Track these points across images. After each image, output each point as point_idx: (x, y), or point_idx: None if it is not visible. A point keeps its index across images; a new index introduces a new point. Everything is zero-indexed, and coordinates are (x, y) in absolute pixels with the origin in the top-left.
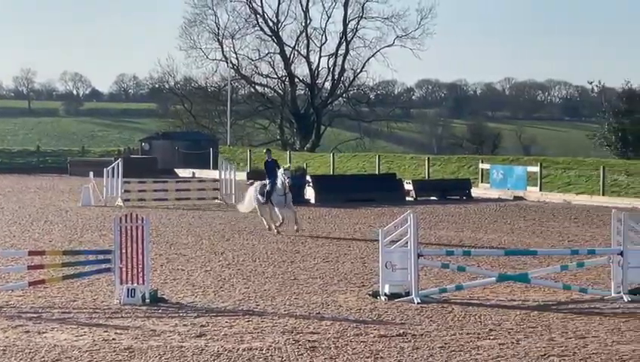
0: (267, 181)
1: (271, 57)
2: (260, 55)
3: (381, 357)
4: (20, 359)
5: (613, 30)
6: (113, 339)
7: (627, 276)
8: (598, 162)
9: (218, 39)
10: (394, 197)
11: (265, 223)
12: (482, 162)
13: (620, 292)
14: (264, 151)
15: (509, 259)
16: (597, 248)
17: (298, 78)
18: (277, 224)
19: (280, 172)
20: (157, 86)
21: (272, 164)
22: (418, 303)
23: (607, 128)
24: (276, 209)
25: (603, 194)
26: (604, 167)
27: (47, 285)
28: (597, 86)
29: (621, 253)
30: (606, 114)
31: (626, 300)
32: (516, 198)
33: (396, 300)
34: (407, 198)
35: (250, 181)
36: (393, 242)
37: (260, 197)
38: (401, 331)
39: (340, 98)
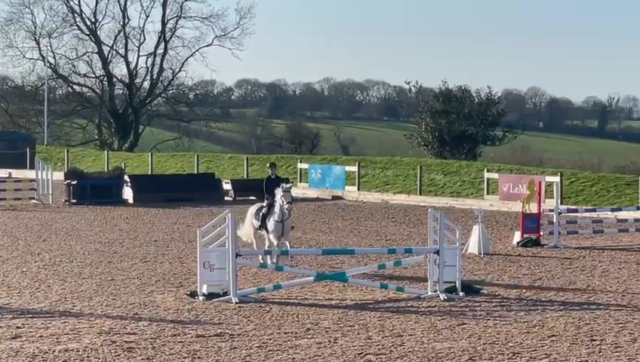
0: (265, 202)
1: (89, 57)
2: (77, 54)
3: (199, 358)
4: None
5: (431, 31)
6: None
7: (443, 274)
8: (415, 162)
9: (35, 38)
10: (213, 196)
11: (274, 243)
12: (301, 162)
13: (436, 291)
14: (267, 165)
15: (327, 259)
16: (414, 247)
17: (116, 78)
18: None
19: (279, 192)
20: None
21: (275, 181)
22: (236, 303)
23: (425, 128)
24: (271, 236)
25: (420, 194)
26: (421, 167)
27: None
28: (414, 86)
29: (437, 252)
30: (423, 114)
31: (442, 298)
32: (335, 198)
33: (214, 300)
34: (226, 198)
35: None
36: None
37: (254, 221)
38: (219, 331)
39: (159, 98)
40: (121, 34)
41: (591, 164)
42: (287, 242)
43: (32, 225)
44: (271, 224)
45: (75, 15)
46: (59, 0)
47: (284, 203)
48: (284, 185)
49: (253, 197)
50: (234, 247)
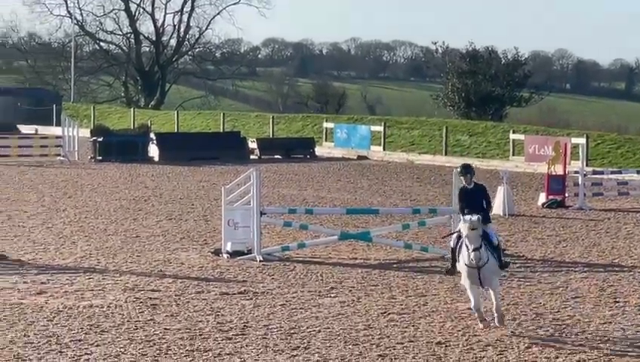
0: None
1: (116, 14)
2: (104, 11)
3: (222, 315)
4: None
5: None
6: None
7: None
8: (441, 122)
9: None
10: (238, 155)
11: (471, 299)
12: (327, 121)
13: None
14: (457, 170)
15: (351, 218)
16: (438, 207)
17: (143, 35)
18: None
19: (464, 229)
20: (0, 42)
21: (471, 193)
22: (260, 261)
23: (451, 89)
24: (466, 283)
25: (445, 154)
26: (447, 127)
27: None
28: (441, 47)
29: None
30: (449, 74)
31: None
32: (360, 157)
33: (238, 258)
34: (252, 157)
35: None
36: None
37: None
38: (243, 289)
39: (186, 56)
40: None
41: (617, 126)
42: (491, 291)
43: (58, 182)
44: (462, 265)
45: None
46: None
47: (470, 248)
48: (471, 218)
49: (278, 156)
50: (258, 205)
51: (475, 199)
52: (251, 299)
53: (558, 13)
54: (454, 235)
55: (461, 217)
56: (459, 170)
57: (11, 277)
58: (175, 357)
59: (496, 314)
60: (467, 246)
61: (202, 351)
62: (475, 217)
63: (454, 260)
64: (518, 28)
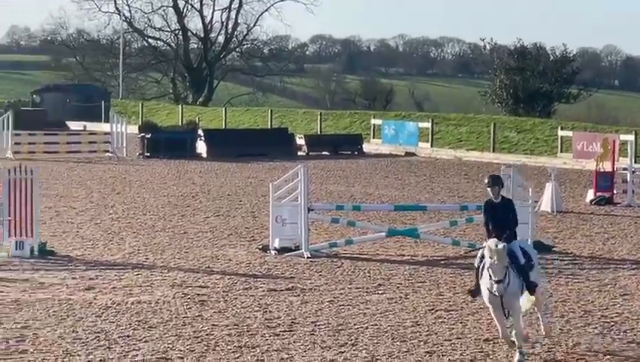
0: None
1: (164, 10)
2: (152, 8)
3: (270, 311)
4: None
5: None
6: (0, 292)
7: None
8: (489, 119)
9: None
10: (285, 151)
11: (499, 329)
12: (374, 118)
13: None
14: (485, 181)
15: (398, 215)
16: None
17: (191, 32)
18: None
19: (486, 254)
20: (49, 38)
21: (498, 208)
22: (308, 257)
23: (499, 85)
24: (489, 308)
25: (493, 151)
26: (495, 124)
27: None
28: (489, 43)
29: None
30: (497, 71)
31: None
32: (407, 154)
33: (286, 254)
34: (299, 153)
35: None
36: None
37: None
38: (291, 285)
39: (234, 52)
40: None
41: None
42: (511, 317)
43: (106, 178)
44: (484, 290)
45: None
46: None
47: (493, 276)
48: (497, 247)
49: (325, 152)
50: (306, 202)
51: (501, 214)
52: (299, 295)
53: (606, 10)
54: (479, 254)
55: (486, 241)
56: (486, 180)
57: (60, 273)
58: (223, 354)
59: (515, 338)
60: (490, 275)
61: (250, 347)
62: (500, 246)
63: (478, 281)
64: (566, 24)
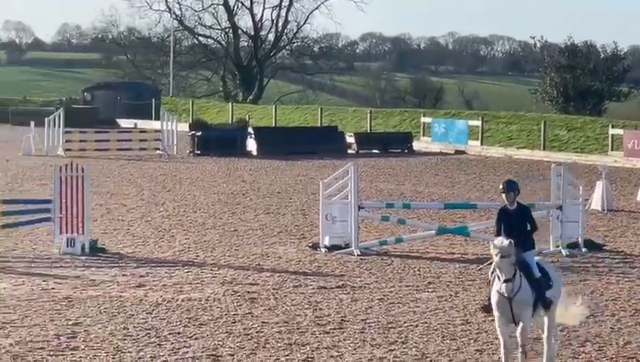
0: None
1: (214, 8)
2: (203, 6)
3: (320, 309)
4: None
5: None
6: (52, 289)
7: (565, 230)
8: (540, 117)
9: None
10: (336, 149)
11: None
12: (424, 116)
13: (558, 246)
14: (500, 186)
15: (448, 213)
16: (536, 202)
17: (241, 30)
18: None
19: (494, 252)
20: (100, 36)
21: (512, 215)
22: (358, 255)
23: (549, 83)
24: (494, 307)
25: (544, 149)
26: (545, 122)
27: None
28: (539, 41)
29: (560, 208)
30: (548, 69)
31: (564, 254)
32: (457, 152)
33: (336, 252)
34: (349, 151)
35: None
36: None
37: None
38: (341, 283)
39: (284, 50)
40: None
41: None
42: (519, 327)
43: (157, 176)
44: (494, 295)
45: None
46: None
47: (502, 278)
48: (501, 243)
49: (375, 150)
50: (356, 200)
51: (515, 222)
52: (349, 293)
53: None
54: (492, 266)
55: (491, 241)
56: (501, 186)
57: (111, 271)
58: (273, 351)
59: (520, 350)
60: (499, 277)
61: (300, 344)
62: (505, 242)
63: (490, 294)
64: (617, 22)
